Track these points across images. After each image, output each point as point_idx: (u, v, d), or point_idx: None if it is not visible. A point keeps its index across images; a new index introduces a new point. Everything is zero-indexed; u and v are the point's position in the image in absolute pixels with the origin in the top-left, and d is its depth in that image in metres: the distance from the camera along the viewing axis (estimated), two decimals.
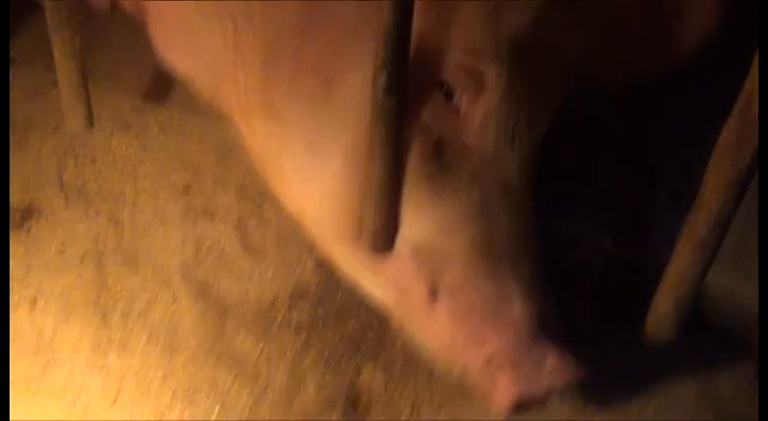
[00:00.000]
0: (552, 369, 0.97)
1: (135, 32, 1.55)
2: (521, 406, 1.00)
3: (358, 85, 1.02)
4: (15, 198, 1.48)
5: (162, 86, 1.60)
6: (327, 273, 1.36)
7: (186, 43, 1.27)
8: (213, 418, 1.21)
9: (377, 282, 1.10)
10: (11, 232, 1.44)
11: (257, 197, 1.46)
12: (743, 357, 1.22)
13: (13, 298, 1.36)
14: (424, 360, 1.23)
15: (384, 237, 1.06)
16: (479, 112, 1.04)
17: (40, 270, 1.39)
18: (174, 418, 1.21)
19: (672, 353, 1.12)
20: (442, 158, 1.05)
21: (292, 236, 1.41)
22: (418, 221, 1.04)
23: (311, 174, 1.10)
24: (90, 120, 1.28)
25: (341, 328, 1.29)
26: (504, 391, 0.98)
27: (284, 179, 1.14)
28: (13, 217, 1.46)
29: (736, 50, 0.80)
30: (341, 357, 1.26)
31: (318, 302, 1.32)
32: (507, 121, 1.05)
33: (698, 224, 0.86)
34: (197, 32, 1.23)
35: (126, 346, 1.29)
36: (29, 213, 1.46)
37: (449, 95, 1.05)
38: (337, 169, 1.05)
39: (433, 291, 1.02)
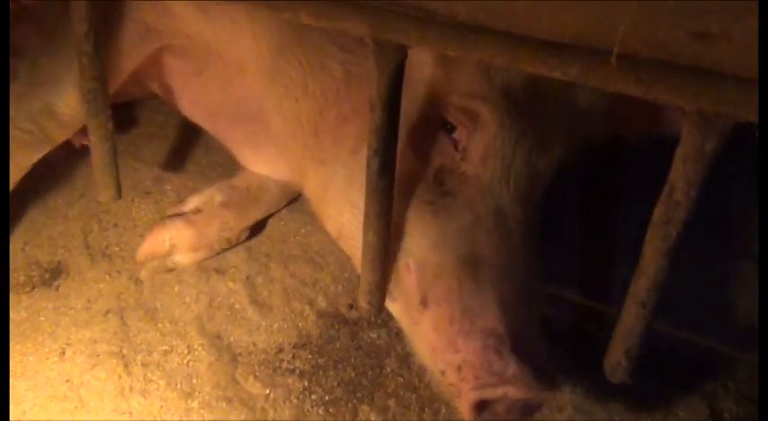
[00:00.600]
0: (511, 379, 1.07)
1: (153, 114, 1.74)
2: (486, 416, 1.10)
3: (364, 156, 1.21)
4: (45, 258, 1.64)
5: (178, 158, 1.77)
6: (327, 325, 1.52)
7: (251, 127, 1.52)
8: None
9: (395, 287, 1.22)
10: (41, 290, 1.58)
11: (264, 257, 1.62)
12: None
13: (44, 349, 1.50)
14: (414, 401, 1.38)
15: (379, 295, 1.22)
16: (478, 147, 1.20)
17: (68, 324, 1.53)
18: None
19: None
20: (443, 186, 1.21)
21: (295, 292, 1.57)
22: (419, 239, 1.18)
23: (347, 202, 1.28)
24: (119, 192, 1.44)
25: (339, 374, 1.43)
26: (464, 397, 1.09)
27: (328, 208, 1.32)
28: (43, 276, 1.61)
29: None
30: (340, 400, 1.39)
31: (319, 352, 1.47)
32: (503, 156, 1.19)
33: (638, 288, 1.02)
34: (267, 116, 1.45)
35: (146, 392, 1.42)
36: (57, 272, 1.62)
37: (450, 131, 1.22)
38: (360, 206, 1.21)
39: (424, 301, 1.15)
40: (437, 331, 1.12)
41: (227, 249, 1.62)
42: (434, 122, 1.22)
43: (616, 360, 1.09)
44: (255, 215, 1.62)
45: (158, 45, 1.53)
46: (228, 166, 1.77)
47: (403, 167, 1.17)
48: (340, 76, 1.28)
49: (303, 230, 1.66)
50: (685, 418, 1.33)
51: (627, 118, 1.25)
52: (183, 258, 1.57)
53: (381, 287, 1.22)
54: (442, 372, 1.13)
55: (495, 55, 0.91)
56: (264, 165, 1.59)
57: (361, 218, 1.16)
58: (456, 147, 1.21)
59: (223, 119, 1.59)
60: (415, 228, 1.19)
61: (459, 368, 1.09)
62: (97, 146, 1.38)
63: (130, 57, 1.52)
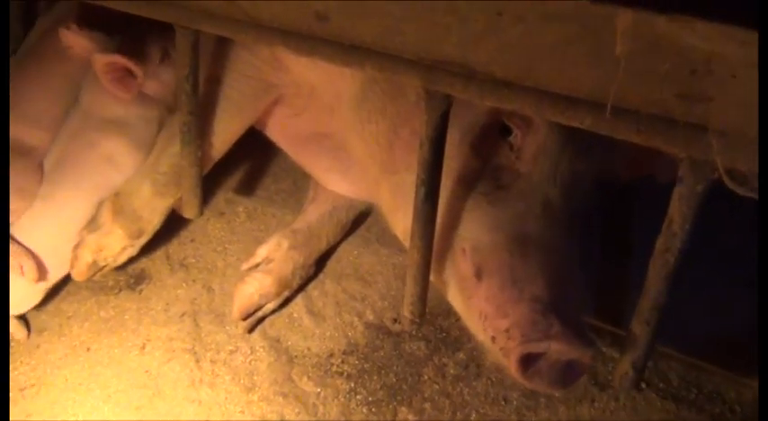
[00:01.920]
0: (555, 335, 1.18)
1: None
2: (531, 374, 1.20)
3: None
4: (130, 266, 1.87)
5: (248, 184, 2.00)
6: (373, 336, 1.70)
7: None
8: None
9: (450, 275, 1.39)
10: (126, 292, 1.82)
11: (320, 274, 1.83)
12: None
13: (127, 343, 1.72)
14: (447, 406, 1.55)
15: (420, 306, 1.40)
16: (530, 148, 1.38)
17: (149, 323, 1.76)
18: None
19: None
20: (499, 181, 1.38)
21: (346, 305, 1.77)
22: (475, 226, 1.35)
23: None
24: (201, 210, 1.68)
25: (382, 379, 1.61)
26: (512, 353, 1.20)
27: (398, 212, 1.48)
28: (128, 281, 1.85)
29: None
30: (381, 401, 1.57)
31: (365, 358, 1.65)
32: (551, 156, 1.37)
33: (643, 308, 1.19)
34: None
35: (213, 385, 1.62)
36: (141, 279, 1.85)
37: (506, 134, 1.40)
38: None
39: (478, 274, 1.30)
40: (489, 300, 1.27)
41: None
42: (492, 127, 1.41)
43: (624, 371, 1.24)
44: (320, 249, 1.82)
45: (275, 97, 1.75)
46: (292, 193, 2.01)
47: (464, 165, 1.38)
48: (413, 98, 1.48)
49: (356, 252, 1.87)
50: None
51: (638, 162, 1.43)
52: (272, 305, 1.73)
53: (423, 299, 1.40)
54: (493, 339, 1.26)
55: (524, 106, 1.11)
56: (348, 186, 1.78)
57: None
58: (511, 148, 1.40)
59: (311, 149, 1.81)
60: (472, 216, 1.36)
61: (507, 331, 1.22)
62: (187, 170, 1.62)
63: (253, 112, 1.74)
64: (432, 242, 1.36)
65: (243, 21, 1.31)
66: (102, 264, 1.70)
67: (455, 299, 1.40)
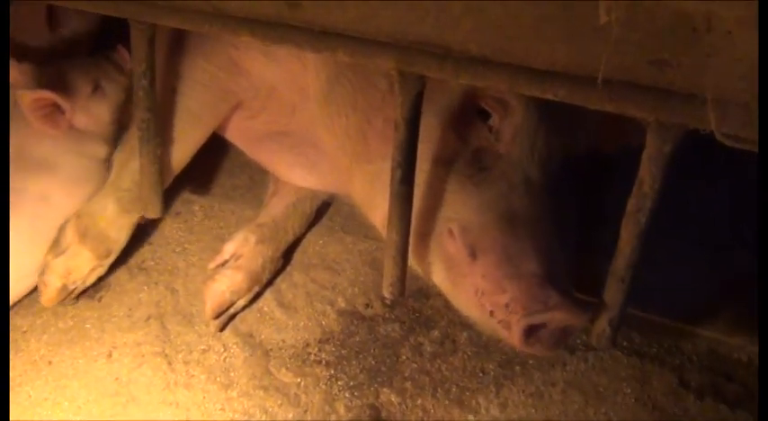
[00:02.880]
0: (555, 305, 1.25)
1: None
2: (532, 341, 1.27)
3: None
4: None
5: (204, 182, 1.97)
6: (347, 322, 1.72)
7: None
8: None
9: (435, 256, 1.43)
10: (85, 301, 1.75)
11: (287, 265, 1.83)
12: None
13: (92, 353, 1.67)
14: (427, 383, 1.59)
15: (399, 286, 1.43)
16: (509, 129, 1.44)
17: (113, 330, 1.70)
18: None
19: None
20: (481, 162, 1.44)
21: (317, 294, 1.78)
22: (462, 207, 1.40)
23: None
24: (163, 210, 1.65)
25: (361, 363, 1.63)
26: (515, 325, 1.27)
27: (375, 199, 1.50)
28: (87, 290, 1.78)
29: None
30: (363, 384, 1.59)
31: (341, 345, 1.67)
32: (528, 136, 1.44)
33: (617, 267, 1.26)
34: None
35: (189, 386, 1.59)
36: (99, 286, 1.78)
37: (485, 117, 1.46)
38: None
39: (472, 254, 1.35)
40: (486, 277, 1.32)
41: None
42: (472, 111, 1.46)
43: (601, 328, 1.32)
44: (287, 241, 1.82)
45: (234, 104, 1.74)
46: (249, 188, 1.99)
47: (446, 148, 1.43)
48: (384, 87, 1.51)
49: (321, 242, 1.88)
50: (658, 388, 1.57)
51: (608, 131, 1.52)
52: (243, 301, 1.71)
53: (402, 279, 1.43)
54: (491, 313, 1.32)
55: (499, 82, 1.15)
56: (314, 180, 1.79)
57: None
58: (490, 131, 1.46)
59: (270, 148, 1.81)
60: (457, 197, 1.41)
61: (506, 305, 1.29)
62: (146, 168, 1.59)
63: (213, 121, 1.73)
64: (409, 223, 1.39)
65: (205, 12, 1.30)
66: (72, 287, 1.68)
67: (441, 278, 1.44)
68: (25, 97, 1.57)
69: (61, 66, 1.68)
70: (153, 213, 1.64)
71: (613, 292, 1.29)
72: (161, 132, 1.58)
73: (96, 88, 1.68)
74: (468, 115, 1.49)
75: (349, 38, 1.20)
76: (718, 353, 1.62)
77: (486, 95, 1.45)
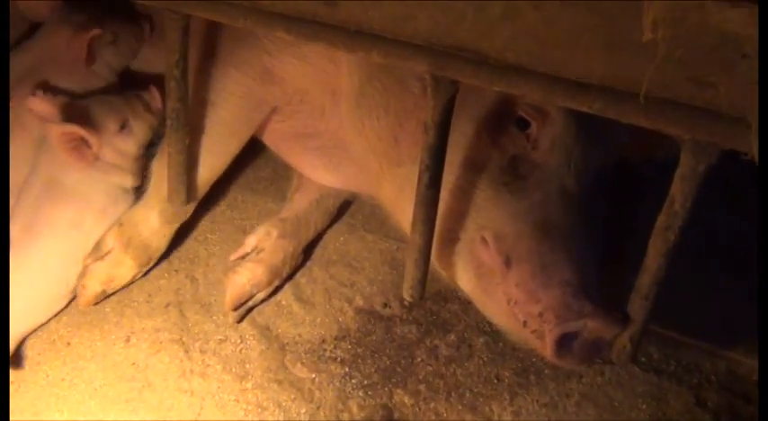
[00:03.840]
0: (589, 313, 1.24)
1: None
2: (564, 353, 1.26)
3: (451, 145, 1.41)
4: None
5: (228, 171, 1.97)
6: (364, 321, 1.72)
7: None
8: None
9: (465, 263, 1.43)
10: None
11: (307, 260, 1.83)
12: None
13: (110, 336, 1.69)
14: (441, 386, 1.59)
15: (420, 289, 1.43)
16: (546, 139, 1.43)
17: (132, 315, 1.72)
18: None
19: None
20: (517, 171, 1.43)
21: (335, 291, 1.78)
22: (496, 215, 1.39)
23: None
24: (189, 198, 1.65)
25: (376, 363, 1.63)
26: (549, 335, 1.26)
27: (404, 202, 1.50)
28: None
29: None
30: (377, 384, 1.59)
31: (357, 343, 1.67)
32: (566, 146, 1.43)
33: (642, 283, 1.25)
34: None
35: (205, 375, 1.61)
36: None
37: (523, 126, 1.45)
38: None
39: (508, 262, 1.34)
40: (520, 286, 1.31)
41: None
42: (510, 119, 1.46)
43: (622, 345, 1.31)
44: (308, 237, 1.82)
45: (267, 113, 1.75)
46: (273, 181, 2.00)
47: (482, 155, 1.43)
48: (418, 90, 1.50)
49: (342, 239, 1.88)
50: (674, 406, 1.55)
51: (641, 143, 1.50)
52: (263, 294, 1.72)
53: (423, 282, 1.43)
54: (525, 323, 1.31)
55: (534, 91, 1.14)
56: (337, 181, 1.80)
57: None
58: (528, 140, 1.45)
59: (295, 149, 1.81)
60: (491, 204, 1.40)
61: (540, 315, 1.28)
62: (174, 157, 1.59)
63: (247, 131, 1.74)
64: (433, 227, 1.38)
65: (242, 5, 1.30)
66: (111, 291, 1.71)
67: (471, 285, 1.44)
68: (53, 130, 1.62)
69: (91, 101, 1.73)
70: (178, 202, 1.65)
71: (636, 309, 1.28)
72: (189, 122, 1.59)
73: (124, 125, 1.72)
74: (506, 122, 1.48)
75: (383, 39, 1.19)
76: (738, 374, 1.60)
77: (524, 103, 1.44)
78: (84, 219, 1.70)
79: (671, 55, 0.96)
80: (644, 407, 1.54)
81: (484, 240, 1.41)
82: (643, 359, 1.63)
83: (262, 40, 1.67)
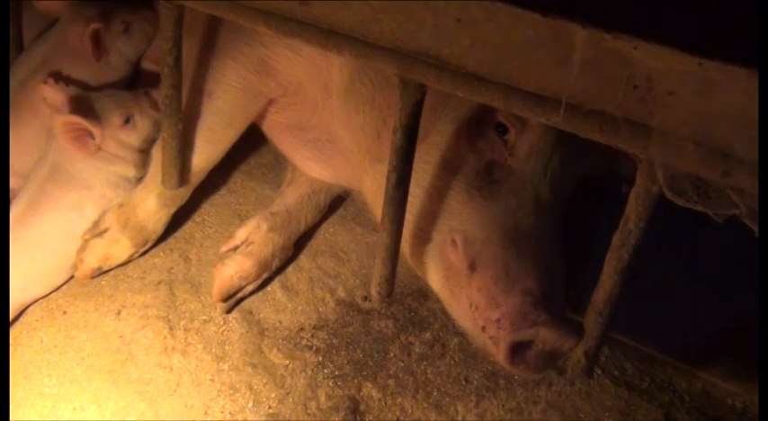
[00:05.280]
0: (542, 322, 1.25)
1: None
2: (518, 361, 1.27)
3: (429, 144, 1.47)
4: None
5: (230, 155, 2.01)
6: (343, 312, 1.75)
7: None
8: (246, 413, 1.56)
9: (435, 263, 1.44)
10: None
11: (295, 250, 1.86)
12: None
13: (103, 308, 1.76)
14: (410, 383, 1.61)
15: (387, 287, 1.45)
16: (524, 146, 1.44)
17: (125, 290, 1.79)
18: (216, 409, 1.57)
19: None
20: (492, 175, 1.44)
21: (319, 281, 1.81)
22: (468, 218, 1.40)
23: None
24: (181, 182, 1.71)
25: (349, 354, 1.65)
26: (502, 341, 1.27)
27: (381, 200, 1.46)
28: None
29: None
30: (347, 376, 1.61)
31: (334, 334, 1.70)
32: (543, 155, 1.44)
33: (597, 300, 1.24)
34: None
35: (186, 353, 1.66)
36: None
37: (502, 131, 1.46)
38: (413, 190, 1.41)
39: (472, 266, 1.35)
40: (481, 291, 1.33)
41: None
42: (490, 123, 1.47)
43: (576, 358, 1.30)
44: (299, 231, 1.84)
45: (264, 105, 1.78)
46: (272, 168, 2.03)
47: (460, 158, 1.44)
48: None
49: (332, 230, 1.90)
50: None
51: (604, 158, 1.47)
52: (252, 287, 1.75)
53: (390, 280, 1.45)
54: (483, 328, 1.32)
55: (494, 100, 1.14)
56: (328, 174, 1.82)
57: (410, 201, 1.38)
58: (506, 145, 1.45)
59: (289, 140, 1.85)
60: (464, 207, 1.42)
61: (498, 321, 1.29)
62: (167, 142, 1.65)
63: (244, 122, 1.77)
64: (401, 227, 1.40)
65: None
66: (106, 268, 1.78)
67: (439, 286, 1.45)
68: (56, 120, 1.69)
69: (100, 94, 1.79)
70: (171, 186, 1.70)
71: (591, 325, 1.27)
72: (183, 108, 1.63)
73: (129, 120, 1.77)
74: (486, 127, 1.48)
75: (355, 39, 1.21)
76: (712, 396, 1.56)
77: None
78: (85, 204, 1.77)
79: (603, 78, 0.95)
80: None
81: (454, 242, 1.41)
82: (616, 372, 1.61)
83: (257, 32, 1.70)
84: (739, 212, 0.89)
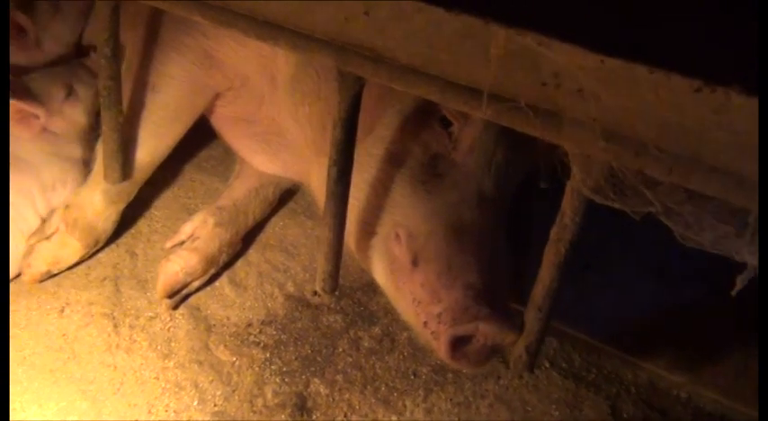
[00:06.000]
0: (483, 317, 1.25)
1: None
2: (459, 356, 1.26)
3: (375, 138, 1.45)
4: None
5: (178, 148, 1.97)
6: (292, 307, 1.73)
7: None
8: (191, 411, 1.54)
9: (380, 257, 1.43)
10: None
11: (245, 243, 1.84)
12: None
13: (46, 306, 1.72)
14: (359, 378, 1.59)
15: (331, 282, 1.43)
16: (468, 139, 1.42)
17: (69, 287, 1.74)
18: (161, 408, 1.54)
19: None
20: (436, 169, 1.43)
21: (268, 276, 1.79)
22: (411, 212, 1.39)
23: None
24: (124, 176, 1.67)
25: (297, 350, 1.63)
26: (442, 336, 1.26)
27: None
28: None
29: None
30: (295, 372, 1.59)
31: (282, 329, 1.68)
32: (486, 149, 1.42)
33: (536, 294, 1.23)
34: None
35: (130, 351, 1.63)
36: None
37: (446, 125, 1.45)
38: (358, 183, 1.41)
39: (415, 261, 1.34)
40: (424, 286, 1.31)
41: None
42: (434, 117, 1.45)
43: (518, 354, 1.29)
44: (246, 226, 1.82)
45: (210, 98, 1.74)
46: (222, 160, 2.00)
47: (405, 151, 1.43)
48: None
49: (282, 223, 1.88)
50: (589, 414, 1.53)
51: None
52: (198, 283, 1.71)
53: (334, 275, 1.43)
54: (425, 323, 1.31)
55: (430, 93, 1.12)
56: (276, 168, 1.80)
57: (356, 195, 1.37)
58: (450, 138, 1.44)
59: (235, 132, 1.82)
60: (408, 202, 1.40)
61: (439, 315, 1.28)
62: (108, 135, 1.61)
63: (191, 116, 1.74)
64: (344, 221, 1.38)
65: None
66: (56, 272, 1.73)
67: (384, 280, 1.44)
68: None
69: (36, 74, 1.76)
70: (113, 179, 1.66)
71: (531, 320, 1.26)
72: (122, 100, 1.59)
73: (70, 93, 1.73)
74: (431, 119, 1.46)
75: (290, 31, 1.18)
76: (658, 387, 1.57)
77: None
78: (34, 189, 1.72)
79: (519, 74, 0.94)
80: (556, 413, 1.52)
81: (398, 236, 1.40)
82: (564, 364, 1.61)
83: (201, 24, 1.66)
84: (655, 210, 0.88)
